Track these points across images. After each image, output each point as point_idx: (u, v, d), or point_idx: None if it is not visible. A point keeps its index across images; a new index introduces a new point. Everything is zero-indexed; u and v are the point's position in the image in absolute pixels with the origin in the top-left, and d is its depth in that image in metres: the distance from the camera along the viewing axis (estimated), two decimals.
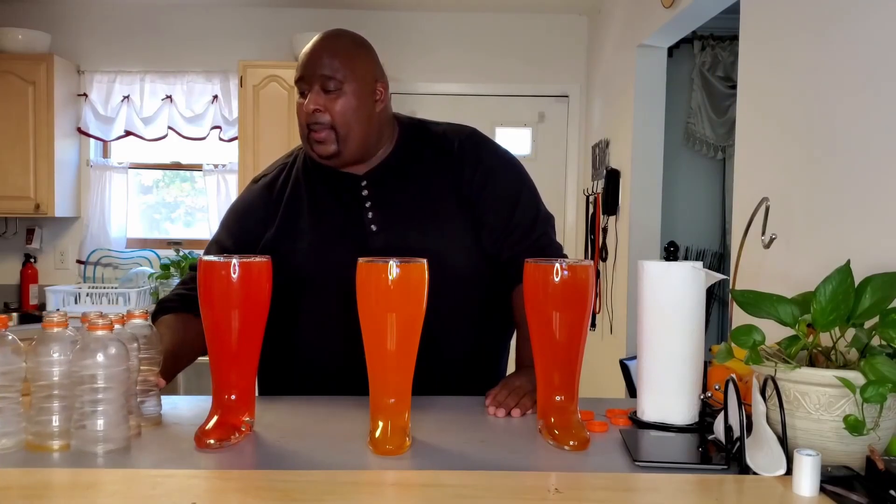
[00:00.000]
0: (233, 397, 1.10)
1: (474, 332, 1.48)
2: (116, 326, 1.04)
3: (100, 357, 0.98)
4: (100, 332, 0.99)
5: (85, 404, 0.99)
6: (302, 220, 1.44)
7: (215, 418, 1.08)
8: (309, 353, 1.45)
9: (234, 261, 1.08)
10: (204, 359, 1.24)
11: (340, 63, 1.37)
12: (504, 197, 1.46)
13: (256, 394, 1.18)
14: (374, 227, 1.42)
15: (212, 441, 1.04)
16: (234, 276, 1.08)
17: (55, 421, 1.01)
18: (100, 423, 0.99)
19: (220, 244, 1.48)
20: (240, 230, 1.48)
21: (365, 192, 1.44)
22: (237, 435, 1.07)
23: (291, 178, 1.49)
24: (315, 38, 1.40)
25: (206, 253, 1.51)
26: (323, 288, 1.40)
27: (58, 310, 3.71)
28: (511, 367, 1.57)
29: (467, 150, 1.47)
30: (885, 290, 0.99)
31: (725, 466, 0.98)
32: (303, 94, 1.39)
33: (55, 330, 1.02)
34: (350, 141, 1.38)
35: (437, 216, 1.43)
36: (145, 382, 1.13)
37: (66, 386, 1.01)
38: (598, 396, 1.42)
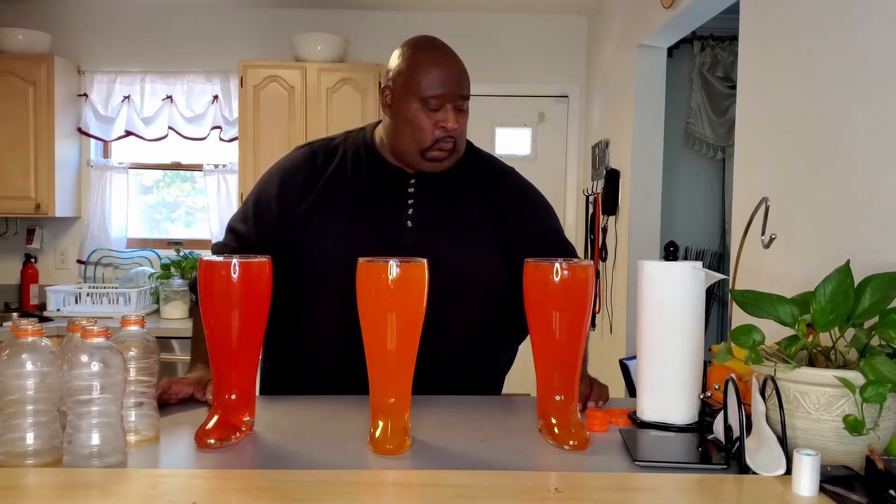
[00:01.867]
0: (233, 397, 1.11)
1: (481, 338, 1.49)
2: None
3: (95, 366, 0.93)
4: (95, 340, 0.95)
5: (77, 417, 0.94)
6: (339, 199, 1.44)
7: (215, 418, 1.08)
8: (310, 349, 1.45)
9: (235, 261, 1.09)
10: None
11: (468, 82, 1.46)
12: (539, 224, 1.52)
13: (257, 394, 1.18)
14: (409, 223, 1.44)
15: (212, 441, 1.04)
16: (234, 276, 1.08)
17: (29, 439, 0.94)
18: (95, 438, 0.94)
19: (238, 233, 1.46)
20: (275, 196, 1.45)
21: (411, 189, 1.46)
22: (237, 435, 1.07)
23: (338, 155, 1.49)
24: (437, 53, 1.44)
25: (232, 222, 1.50)
26: (344, 273, 1.40)
27: (58, 310, 3.75)
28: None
29: (509, 182, 1.54)
30: (885, 290, 0.99)
31: (725, 466, 0.98)
32: (430, 108, 1.40)
33: (29, 339, 0.95)
34: (457, 153, 1.45)
35: (470, 227, 1.46)
36: (142, 395, 1.07)
37: (43, 399, 0.94)
38: None
